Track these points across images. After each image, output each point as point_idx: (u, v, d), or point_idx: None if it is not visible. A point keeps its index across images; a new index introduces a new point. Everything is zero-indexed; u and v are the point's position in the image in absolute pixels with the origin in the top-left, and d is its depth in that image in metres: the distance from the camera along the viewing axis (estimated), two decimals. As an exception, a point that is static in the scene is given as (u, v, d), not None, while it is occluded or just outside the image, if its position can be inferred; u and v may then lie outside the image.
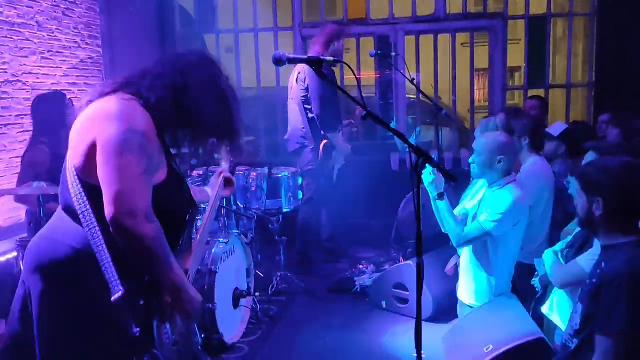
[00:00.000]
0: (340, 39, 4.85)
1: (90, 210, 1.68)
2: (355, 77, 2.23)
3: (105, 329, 1.70)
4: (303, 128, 4.78)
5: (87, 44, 5.21)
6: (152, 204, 1.68)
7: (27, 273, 1.79)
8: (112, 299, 1.64)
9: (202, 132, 1.88)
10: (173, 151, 1.91)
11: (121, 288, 1.65)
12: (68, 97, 3.97)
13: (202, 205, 2.52)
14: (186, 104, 1.80)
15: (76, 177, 1.73)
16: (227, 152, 2.51)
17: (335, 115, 4.78)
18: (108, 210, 1.60)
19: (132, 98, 1.74)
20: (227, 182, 2.48)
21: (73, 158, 1.74)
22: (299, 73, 4.80)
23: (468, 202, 3.38)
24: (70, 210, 1.76)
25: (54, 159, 3.47)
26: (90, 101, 1.77)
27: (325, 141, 4.75)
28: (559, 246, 2.84)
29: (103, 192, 1.62)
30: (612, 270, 1.96)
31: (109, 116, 1.68)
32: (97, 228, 1.67)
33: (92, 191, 1.67)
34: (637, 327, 1.88)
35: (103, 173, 1.63)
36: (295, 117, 4.86)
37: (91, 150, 1.67)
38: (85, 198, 1.69)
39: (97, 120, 1.69)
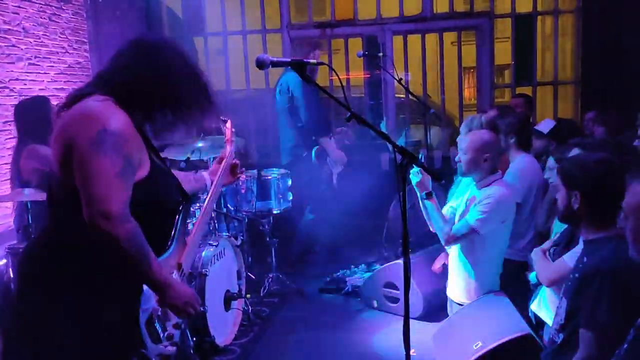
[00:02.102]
0: (316, 50, 4.83)
1: (75, 214, 1.68)
2: (339, 80, 2.23)
3: (89, 328, 1.70)
4: (293, 139, 4.79)
5: (74, 49, 5.19)
6: (136, 201, 1.69)
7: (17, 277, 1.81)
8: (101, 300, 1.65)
9: (181, 115, 1.87)
10: (156, 143, 1.91)
11: (108, 289, 1.66)
12: (56, 102, 3.95)
13: (203, 196, 2.47)
14: (159, 91, 1.80)
15: (60, 182, 1.74)
16: (231, 135, 2.52)
17: (324, 119, 4.77)
18: (84, 213, 1.62)
19: (106, 98, 1.74)
20: (232, 169, 2.45)
21: (55, 163, 1.75)
22: (281, 84, 4.80)
23: (454, 200, 3.40)
24: (58, 214, 1.78)
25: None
26: (66, 106, 1.77)
27: (316, 147, 4.76)
28: (547, 244, 2.87)
29: (80, 194, 1.64)
30: (593, 265, 2.00)
31: (83, 118, 1.68)
32: (83, 230, 1.67)
33: (73, 193, 1.68)
34: (619, 320, 1.91)
35: (78, 175, 1.65)
36: (283, 129, 4.87)
37: (68, 154, 1.67)
38: (69, 202, 1.70)
39: (72, 124, 1.70)
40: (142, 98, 1.78)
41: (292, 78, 4.67)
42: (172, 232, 1.91)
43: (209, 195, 2.29)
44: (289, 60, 2.05)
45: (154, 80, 1.79)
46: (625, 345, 1.56)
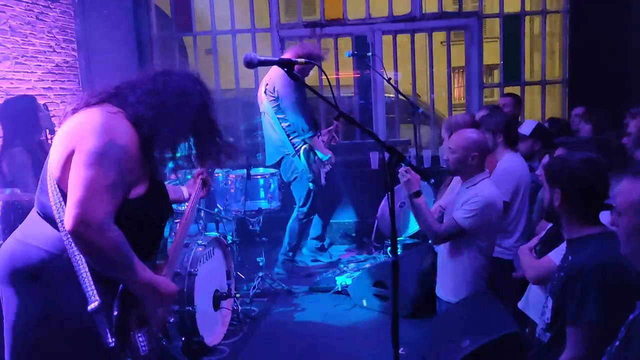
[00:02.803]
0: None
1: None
2: (327, 80, 2.24)
3: (79, 338, 1.70)
4: (279, 139, 4.78)
5: (62, 47, 5.16)
6: (130, 216, 1.70)
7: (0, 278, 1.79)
8: (88, 308, 1.65)
9: (187, 148, 1.92)
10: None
11: (97, 298, 1.66)
12: (44, 102, 3.93)
13: (181, 208, 2.53)
14: (173, 124, 1.81)
15: (56, 186, 1.73)
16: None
17: (310, 118, 4.77)
18: (66, 218, 1.62)
19: (118, 111, 1.74)
20: (204, 184, 2.49)
21: (53, 166, 1.74)
22: (267, 85, 4.80)
23: (443, 199, 3.42)
24: (47, 217, 1.76)
25: (33, 162, 3.45)
26: (76, 110, 1.77)
27: (304, 146, 4.75)
28: (533, 242, 2.89)
29: (67, 198, 1.64)
30: (578, 263, 2.01)
31: (92, 128, 1.68)
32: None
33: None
34: (605, 317, 1.92)
35: (70, 180, 1.65)
36: (269, 129, 4.86)
37: (70, 160, 1.68)
38: (64, 204, 1.69)
39: (80, 131, 1.70)
40: (152, 121, 1.78)
41: (277, 77, 4.66)
42: (158, 245, 1.93)
43: (189, 207, 2.33)
44: (277, 59, 2.05)
45: (169, 108, 1.81)
46: (617, 343, 1.57)
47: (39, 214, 1.80)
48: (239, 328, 3.87)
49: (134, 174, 1.73)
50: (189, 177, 2.71)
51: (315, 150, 4.78)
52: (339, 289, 4.48)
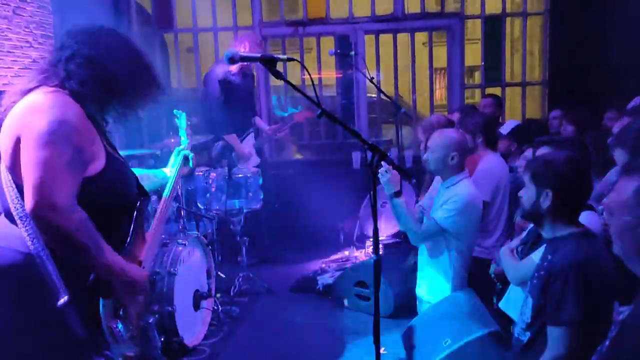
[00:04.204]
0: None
1: (27, 213, 1.63)
2: (310, 78, 2.23)
3: (52, 334, 1.67)
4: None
5: (39, 43, 5.06)
6: (93, 195, 1.65)
7: None
8: (58, 304, 1.61)
9: (130, 98, 1.85)
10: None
11: (66, 292, 1.62)
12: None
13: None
14: (107, 77, 1.77)
15: (10, 179, 1.69)
16: (187, 128, 2.55)
17: (231, 118, 4.75)
18: (27, 203, 1.58)
19: (55, 89, 1.71)
20: (185, 160, 2.46)
21: (4, 159, 1.70)
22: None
23: (423, 199, 3.42)
24: (9, 214, 1.71)
25: None
26: (14, 102, 1.72)
27: (218, 142, 4.77)
28: (514, 243, 2.90)
29: (24, 184, 1.59)
30: (559, 262, 2.02)
31: (34, 110, 1.65)
32: (36, 230, 1.62)
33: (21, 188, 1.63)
34: (586, 315, 1.93)
35: (24, 166, 1.61)
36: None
37: (17, 148, 1.64)
38: (20, 200, 1.65)
39: (23, 116, 1.66)
40: (92, 88, 1.74)
41: (209, 72, 4.81)
42: (130, 229, 1.87)
43: (169, 186, 2.28)
44: (259, 55, 2.03)
45: (103, 68, 1.76)
46: (607, 342, 1.57)
47: (2, 213, 1.75)
48: (220, 328, 3.83)
49: (87, 149, 1.70)
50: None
51: (234, 147, 4.78)
52: (321, 289, 4.46)
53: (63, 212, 1.57)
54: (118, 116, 1.85)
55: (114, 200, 1.78)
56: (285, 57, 2.11)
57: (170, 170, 2.39)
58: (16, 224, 1.68)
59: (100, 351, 1.71)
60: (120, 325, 1.76)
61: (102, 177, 1.72)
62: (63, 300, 1.61)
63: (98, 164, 1.73)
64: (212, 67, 4.97)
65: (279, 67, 2.06)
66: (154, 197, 3.23)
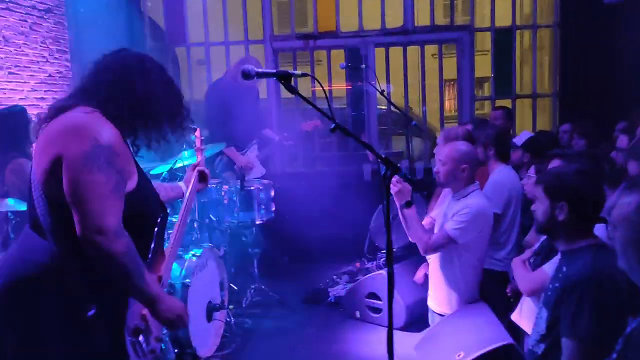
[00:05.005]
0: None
1: (56, 227, 1.66)
2: (324, 90, 2.25)
3: (76, 346, 1.68)
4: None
5: (55, 58, 5.15)
6: (125, 213, 1.67)
7: None
8: (86, 315, 1.63)
9: (162, 124, 1.89)
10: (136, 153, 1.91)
11: (93, 305, 1.65)
12: (36, 112, 3.90)
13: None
14: (142, 103, 1.80)
15: (41, 193, 1.70)
16: (200, 144, 2.56)
17: (230, 131, 4.80)
18: (78, 229, 1.59)
19: (93, 110, 1.72)
20: (201, 176, 2.46)
21: (38, 174, 1.71)
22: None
23: (434, 210, 3.43)
24: (37, 226, 1.74)
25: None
26: (49, 118, 1.74)
27: (220, 156, 4.85)
28: (526, 254, 2.90)
29: (72, 210, 1.61)
30: (574, 274, 2.02)
31: (74, 131, 1.66)
32: (65, 244, 1.65)
33: (58, 207, 1.65)
34: (601, 328, 1.93)
35: (71, 191, 1.61)
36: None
37: (55, 166, 1.64)
38: (51, 214, 1.67)
39: (62, 136, 1.67)
40: (127, 111, 1.77)
41: (210, 87, 4.97)
42: (152, 245, 1.89)
43: (185, 203, 2.30)
44: (274, 71, 2.07)
45: (139, 94, 1.80)
46: (614, 355, 1.58)
47: (30, 226, 1.78)
48: (232, 340, 3.85)
49: (126, 170, 1.73)
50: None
51: (233, 159, 4.88)
52: (332, 301, 4.47)
53: (113, 236, 1.59)
54: (148, 140, 1.88)
55: (141, 218, 1.81)
56: (299, 72, 2.15)
57: (184, 185, 2.38)
58: (42, 236, 1.71)
59: None
60: (142, 339, 1.78)
61: (133, 196, 1.74)
62: (90, 312, 1.64)
63: (131, 184, 1.76)
64: (214, 82, 5.09)
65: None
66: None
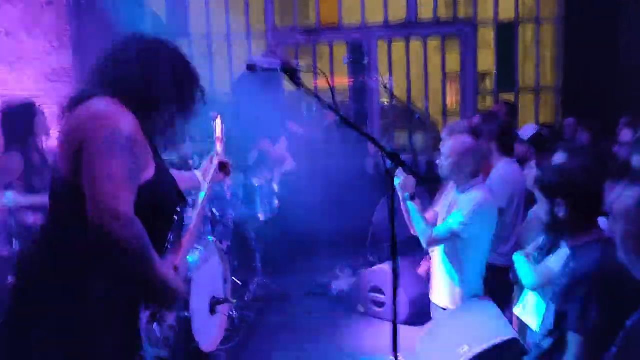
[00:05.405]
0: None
1: (78, 214, 1.66)
2: (329, 84, 2.24)
3: (93, 330, 1.70)
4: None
5: (57, 51, 5.14)
6: (140, 202, 1.68)
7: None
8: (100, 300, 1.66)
9: (178, 110, 1.90)
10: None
11: (110, 292, 1.67)
12: (38, 105, 3.89)
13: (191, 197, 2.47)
14: (160, 91, 1.81)
15: (64, 182, 1.73)
16: (221, 133, 2.51)
17: (257, 123, 4.78)
18: (91, 213, 1.60)
19: (112, 99, 1.74)
20: (222, 166, 2.43)
21: (60, 163, 1.74)
22: None
23: (437, 204, 3.43)
24: (61, 214, 1.77)
25: (26, 166, 3.44)
26: (70, 108, 1.76)
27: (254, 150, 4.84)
28: (530, 248, 2.90)
29: (87, 194, 1.63)
30: (581, 269, 2.02)
31: (94, 119, 1.68)
32: (85, 232, 1.65)
33: (80, 195, 1.66)
34: (608, 323, 1.93)
35: (87, 175, 1.64)
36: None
37: (78, 154, 1.67)
38: (74, 202, 1.69)
39: (82, 124, 1.70)
40: (145, 99, 1.79)
41: (236, 80, 4.89)
42: (170, 234, 1.90)
43: (205, 195, 2.28)
44: (279, 65, 2.06)
45: (156, 80, 1.80)
46: (614, 350, 1.58)
47: (52, 215, 1.81)
48: (235, 334, 3.85)
49: (142, 158, 1.75)
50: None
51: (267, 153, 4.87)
52: (335, 295, 4.48)
53: (125, 222, 1.60)
54: (165, 126, 1.89)
55: (158, 207, 1.81)
56: (305, 67, 2.14)
57: (201, 175, 2.35)
58: (64, 225, 1.75)
59: (135, 352, 1.74)
60: (156, 328, 1.80)
61: (149, 186, 1.75)
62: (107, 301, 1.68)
63: (148, 173, 1.77)
64: (240, 74, 5.00)
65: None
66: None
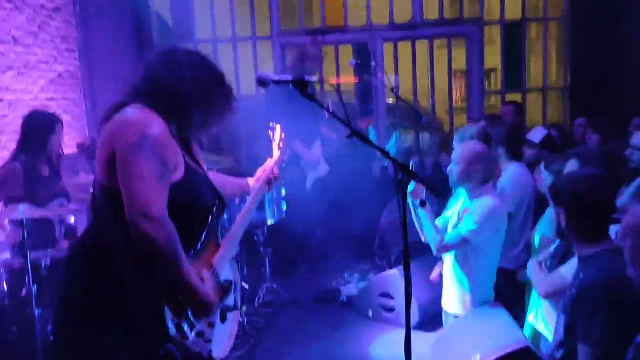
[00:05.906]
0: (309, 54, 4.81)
1: (116, 217, 1.77)
2: (340, 97, 2.24)
3: (128, 321, 1.82)
4: None
5: (64, 57, 5.15)
6: (170, 203, 1.78)
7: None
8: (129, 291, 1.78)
9: (208, 115, 1.99)
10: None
11: (143, 286, 1.79)
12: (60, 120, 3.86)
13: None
14: (187, 97, 1.92)
15: (103, 186, 1.84)
16: (281, 142, 2.60)
17: (293, 125, 4.73)
18: (126, 213, 1.72)
19: (142, 106, 1.85)
20: (269, 180, 2.50)
21: (99, 169, 1.86)
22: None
23: (448, 211, 3.42)
24: (100, 217, 1.89)
25: (29, 176, 3.45)
26: (107, 119, 1.87)
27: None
28: (543, 256, 2.88)
29: (123, 195, 1.74)
30: (588, 280, 2.02)
31: (124, 126, 1.80)
32: (123, 232, 1.75)
33: (116, 198, 1.77)
34: (616, 333, 1.92)
35: (121, 178, 1.75)
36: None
37: (112, 159, 1.79)
38: (109, 205, 1.81)
39: (116, 132, 1.81)
40: (174, 105, 1.90)
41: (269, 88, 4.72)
42: (203, 233, 1.98)
43: (250, 198, 2.38)
44: (290, 79, 2.05)
45: (184, 88, 1.91)
46: None
47: (94, 217, 1.94)
48: (246, 340, 3.86)
49: (172, 160, 1.84)
50: None
51: (300, 155, 4.77)
52: (345, 300, 4.47)
53: (157, 223, 1.71)
54: (197, 130, 2.02)
55: (187, 208, 1.90)
56: (316, 78, 2.14)
57: (253, 183, 2.45)
58: (103, 227, 1.88)
59: (164, 342, 1.82)
60: (184, 323, 1.87)
61: (179, 187, 1.85)
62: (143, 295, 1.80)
63: (177, 175, 1.87)
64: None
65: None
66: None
